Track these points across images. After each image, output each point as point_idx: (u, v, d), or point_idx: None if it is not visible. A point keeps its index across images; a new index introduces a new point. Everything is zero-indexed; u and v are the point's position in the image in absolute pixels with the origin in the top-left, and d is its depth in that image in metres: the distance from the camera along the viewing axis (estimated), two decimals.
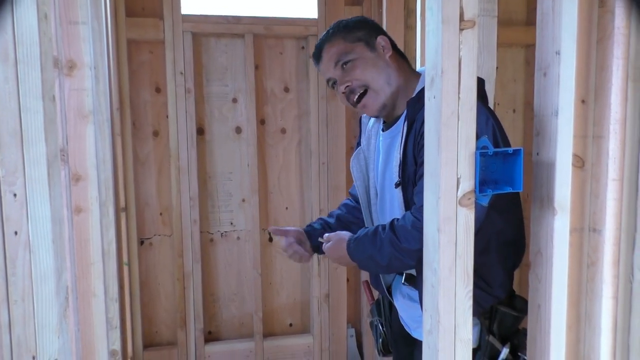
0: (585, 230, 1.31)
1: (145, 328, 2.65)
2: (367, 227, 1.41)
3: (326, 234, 1.50)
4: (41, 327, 1.01)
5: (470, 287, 1.20)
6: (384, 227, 1.34)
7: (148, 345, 2.67)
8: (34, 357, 1.02)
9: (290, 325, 2.84)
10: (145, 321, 2.65)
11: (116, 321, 2.21)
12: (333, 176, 2.69)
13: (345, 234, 1.43)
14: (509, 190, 1.13)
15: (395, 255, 1.30)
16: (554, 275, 1.21)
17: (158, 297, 2.66)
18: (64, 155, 1.38)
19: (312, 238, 1.64)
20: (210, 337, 2.75)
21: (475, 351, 1.32)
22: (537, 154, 1.24)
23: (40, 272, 1.00)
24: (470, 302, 1.20)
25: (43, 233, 0.97)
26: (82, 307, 1.91)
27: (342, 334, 2.80)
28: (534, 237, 1.25)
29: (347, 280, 2.79)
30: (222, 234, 2.70)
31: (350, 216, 1.69)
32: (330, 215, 1.72)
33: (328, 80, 1.48)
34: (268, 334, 2.78)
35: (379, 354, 1.73)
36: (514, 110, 2.94)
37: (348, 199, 1.77)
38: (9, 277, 0.98)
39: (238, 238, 2.72)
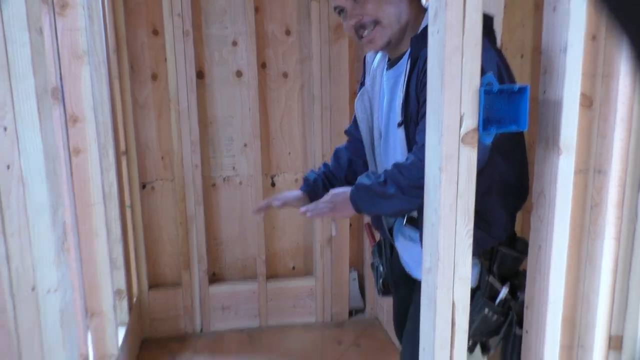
0: (590, 171, 1.29)
1: (149, 269, 2.69)
2: (367, 174, 1.38)
3: (305, 207, 1.46)
4: (39, 259, 1.01)
5: (471, 226, 1.19)
6: (385, 171, 1.32)
7: (153, 285, 2.72)
8: (33, 288, 1.02)
9: (293, 268, 2.88)
10: (149, 263, 2.69)
11: (120, 262, 2.25)
12: (336, 121, 2.65)
13: (344, 190, 1.41)
14: (514, 128, 1.10)
15: (400, 196, 1.28)
16: (556, 216, 1.20)
17: (161, 241, 2.69)
18: (57, 94, 1.35)
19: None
20: (214, 278, 2.80)
21: (474, 291, 1.33)
22: (544, 92, 1.20)
23: (35, 206, 0.99)
24: (471, 241, 1.20)
25: (36, 167, 0.96)
26: (85, 247, 1.93)
27: (345, 277, 2.84)
28: (538, 178, 1.23)
29: (350, 224, 2.80)
30: (224, 179, 2.70)
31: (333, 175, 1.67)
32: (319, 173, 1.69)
33: (335, 8, 1.41)
34: (271, 276, 2.82)
35: (379, 294, 1.75)
36: (521, 56, 2.84)
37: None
38: (4, 210, 0.98)
39: (240, 183, 2.72)
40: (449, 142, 1.04)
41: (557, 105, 1.15)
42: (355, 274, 2.92)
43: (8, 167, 0.94)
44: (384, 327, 2.79)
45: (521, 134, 1.34)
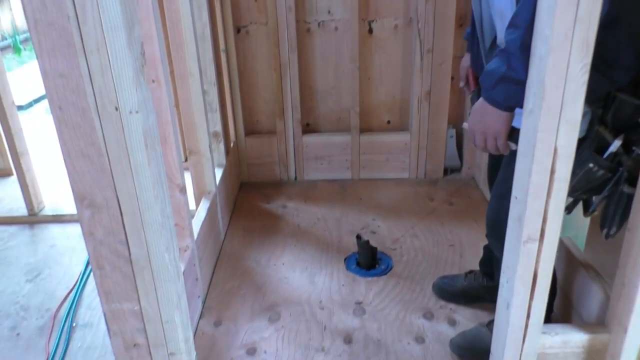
0: None
1: (245, 115, 2.74)
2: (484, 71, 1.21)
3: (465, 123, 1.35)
4: (118, 78, 1.01)
5: (588, 60, 1.01)
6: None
7: (249, 132, 2.79)
8: (116, 108, 1.04)
9: (388, 122, 2.79)
10: (245, 110, 2.73)
11: (216, 105, 2.29)
12: None
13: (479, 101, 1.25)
14: None
15: (524, 42, 1.09)
16: None
17: (257, 87, 2.69)
18: None
19: None
20: (308, 129, 2.80)
21: (580, 142, 1.17)
22: None
23: (109, 23, 0.96)
24: (586, 77, 1.02)
25: None
26: (181, 86, 1.96)
27: (442, 134, 2.71)
28: None
29: (452, 78, 2.60)
30: (319, 23, 2.56)
31: None
32: None
33: None
34: (365, 130, 2.76)
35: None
36: None
37: None
38: (81, 26, 0.96)
39: (336, 28, 2.57)
40: None
41: None
42: (453, 132, 2.78)
43: None
44: (479, 187, 2.69)
45: None
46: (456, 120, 2.76)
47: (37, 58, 1.00)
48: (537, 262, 1.22)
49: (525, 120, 1.14)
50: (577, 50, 1.00)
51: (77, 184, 1.12)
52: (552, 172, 1.12)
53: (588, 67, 1.01)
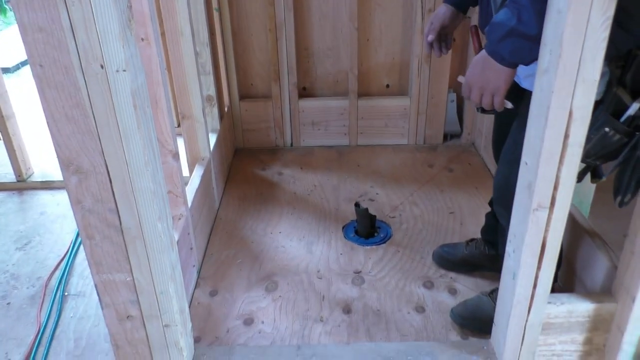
0: None
1: (240, 80, 2.65)
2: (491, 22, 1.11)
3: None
4: (103, 33, 0.93)
5: (610, 14, 0.94)
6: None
7: (244, 96, 2.70)
8: (102, 66, 0.96)
9: (387, 86, 2.71)
10: (240, 73, 2.63)
11: (209, 67, 2.19)
12: None
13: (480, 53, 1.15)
14: None
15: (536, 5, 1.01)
16: None
17: (251, 49, 2.59)
18: None
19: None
20: (305, 93, 2.71)
21: (596, 104, 1.10)
22: None
23: None
24: (607, 33, 0.95)
25: None
26: (172, 47, 1.87)
27: (442, 98, 2.63)
28: None
29: (454, 39, 2.50)
30: None
31: None
32: None
33: None
34: (363, 94, 2.68)
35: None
36: None
37: None
38: None
39: None
40: None
41: None
42: (454, 96, 2.70)
43: None
44: (480, 153, 2.63)
45: None
46: (457, 84, 2.67)
47: (13, 10, 0.92)
48: (546, 230, 1.18)
49: (538, 80, 1.07)
50: (598, 2, 0.92)
51: (62, 148, 1.05)
52: (566, 136, 1.07)
53: (610, 22, 0.94)
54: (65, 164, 1.06)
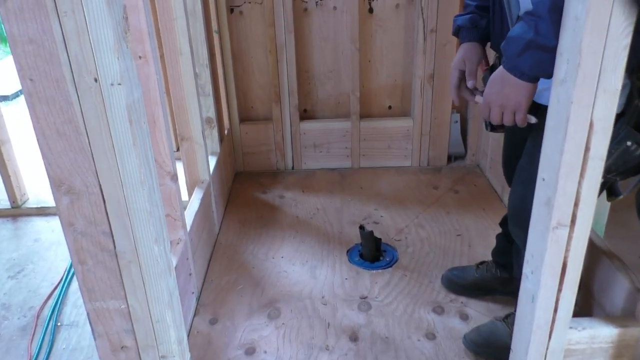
0: None
1: (240, 102, 2.61)
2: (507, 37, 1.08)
3: (477, 96, 1.24)
4: (97, 45, 0.88)
5: (633, 19, 0.89)
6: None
7: (244, 119, 2.66)
8: (96, 79, 0.91)
9: (390, 107, 2.67)
10: (240, 95, 2.60)
11: (209, 89, 2.15)
12: None
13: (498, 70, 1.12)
14: None
15: (555, 3, 0.97)
16: None
17: (251, 71, 2.56)
18: None
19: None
20: (306, 115, 2.67)
21: (617, 117, 1.05)
22: None
23: None
24: (628, 40, 0.91)
25: None
26: (171, 66, 1.83)
27: (446, 119, 2.59)
28: None
29: None
30: (316, 2, 2.42)
31: None
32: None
33: None
34: (365, 115, 2.64)
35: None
36: None
37: None
38: None
39: (334, 8, 2.44)
40: None
41: None
42: (457, 117, 2.66)
43: None
44: (485, 174, 2.58)
45: None
46: (460, 105, 2.64)
47: (3, 21, 0.87)
48: (567, 250, 1.11)
49: (555, 90, 1.02)
50: (619, 7, 0.88)
51: (53, 167, 0.99)
52: (587, 149, 1.01)
53: (632, 28, 0.90)
54: (56, 183, 1.00)
